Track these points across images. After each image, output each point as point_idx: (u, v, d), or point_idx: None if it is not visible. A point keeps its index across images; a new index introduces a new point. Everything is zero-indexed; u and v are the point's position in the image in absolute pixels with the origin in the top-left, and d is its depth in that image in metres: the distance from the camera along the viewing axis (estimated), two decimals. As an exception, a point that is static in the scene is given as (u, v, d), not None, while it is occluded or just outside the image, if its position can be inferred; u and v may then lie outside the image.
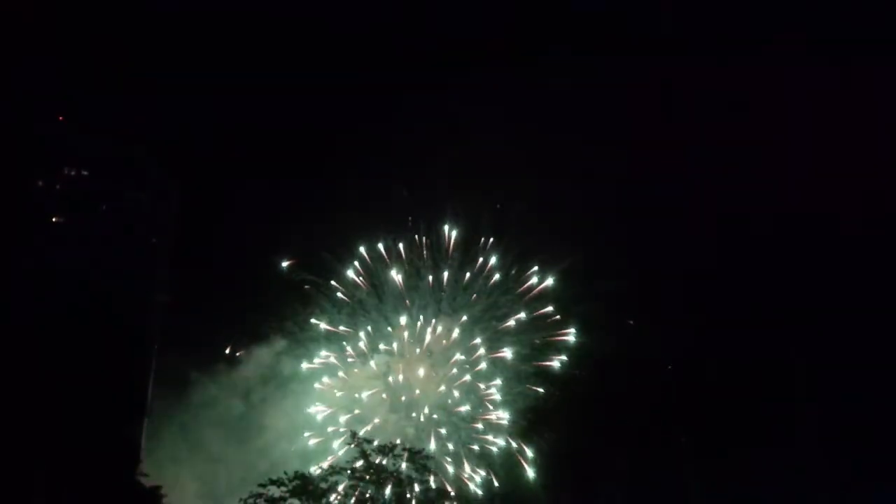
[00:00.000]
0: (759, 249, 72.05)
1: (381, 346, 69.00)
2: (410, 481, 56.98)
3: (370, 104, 75.37)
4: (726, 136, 72.89)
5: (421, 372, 68.38)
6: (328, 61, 77.22)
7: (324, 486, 55.52)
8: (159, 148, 65.02)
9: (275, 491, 54.47)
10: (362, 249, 68.48)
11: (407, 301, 68.90)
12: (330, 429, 67.55)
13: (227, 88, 72.26)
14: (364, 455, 56.75)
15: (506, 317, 68.01)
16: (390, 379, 69.02)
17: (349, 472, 55.92)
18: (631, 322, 65.95)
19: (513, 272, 68.62)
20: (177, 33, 73.27)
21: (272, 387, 67.51)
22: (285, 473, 55.21)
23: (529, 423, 65.26)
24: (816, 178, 68.14)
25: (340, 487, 55.51)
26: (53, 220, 60.92)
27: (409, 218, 69.46)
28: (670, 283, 68.28)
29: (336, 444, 65.49)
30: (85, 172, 62.85)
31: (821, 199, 68.66)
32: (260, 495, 54.42)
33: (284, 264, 67.23)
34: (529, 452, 65.27)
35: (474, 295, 68.39)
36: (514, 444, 65.72)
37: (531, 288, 68.40)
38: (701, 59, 74.27)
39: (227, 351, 67.50)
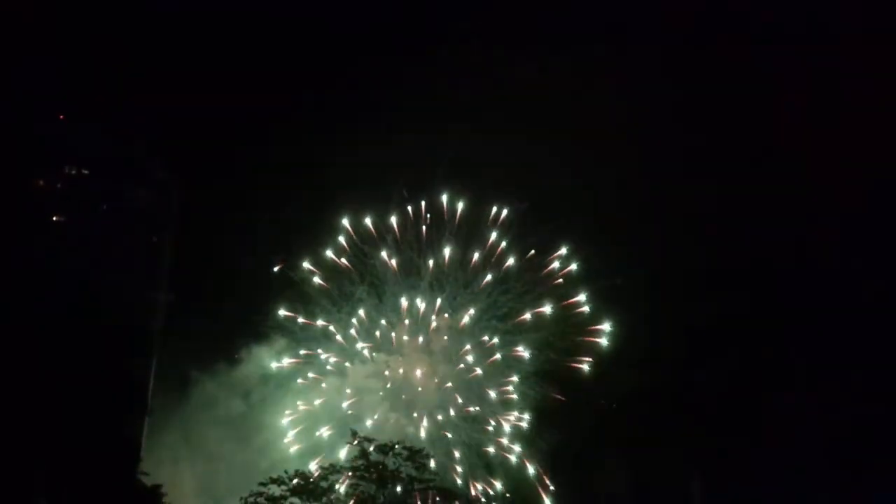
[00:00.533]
0: (759, 249, 71.93)
1: (372, 339, 68.67)
2: (411, 480, 57.07)
3: (368, 97, 75.18)
4: (736, 135, 72.86)
5: (420, 370, 68.35)
6: (326, 55, 77.08)
7: (324, 484, 55.71)
8: (160, 147, 64.98)
9: (275, 490, 54.71)
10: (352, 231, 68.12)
11: (405, 295, 68.93)
12: (316, 433, 67.31)
13: (227, 85, 72.21)
14: (364, 454, 56.89)
15: (507, 316, 68.00)
16: (387, 373, 68.85)
17: (349, 471, 56.16)
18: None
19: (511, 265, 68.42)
20: (176, 32, 73.25)
21: (272, 386, 67.71)
22: (286, 472, 55.50)
23: (532, 424, 65.05)
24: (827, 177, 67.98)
25: (342, 487, 55.53)
26: (54, 219, 60.92)
27: (410, 211, 69.41)
28: (671, 281, 68.03)
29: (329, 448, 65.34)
30: (85, 171, 62.85)
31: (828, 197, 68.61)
32: (260, 494, 54.66)
33: (276, 269, 67.10)
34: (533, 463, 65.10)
35: (487, 278, 67.86)
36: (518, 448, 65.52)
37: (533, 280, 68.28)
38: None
39: (228, 350, 67.66)
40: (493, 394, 67.72)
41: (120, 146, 64.20)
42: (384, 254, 68.58)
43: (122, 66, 68.82)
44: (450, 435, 66.34)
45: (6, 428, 48.49)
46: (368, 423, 65.66)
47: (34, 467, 48.97)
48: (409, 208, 69.26)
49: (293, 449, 65.71)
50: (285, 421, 67.29)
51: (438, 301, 68.21)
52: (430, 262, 68.02)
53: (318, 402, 67.36)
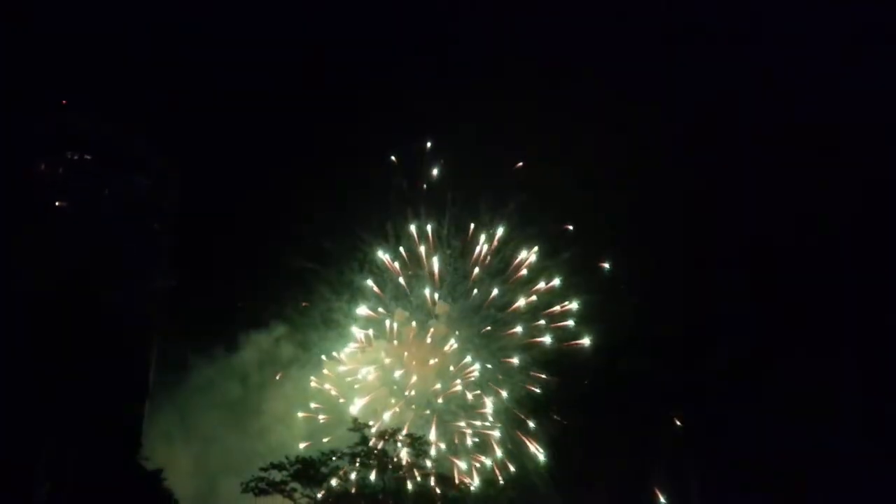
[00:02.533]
0: (758, 239, 72.17)
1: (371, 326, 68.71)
2: (411, 467, 57.69)
3: (372, 86, 74.81)
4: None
5: (418, 358, 68.73)
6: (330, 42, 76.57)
7: (324, 470, 56.19)
8: (161, 134, 64.69)
9: (276, 475, 55.13)
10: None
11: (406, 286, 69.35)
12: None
13: (228, 72, 71.85)
14: (364, 440, 57.45)
15: (505, 306, 68.45)
16: (386, 361, 69.07)
17: (350, 457, 56.68)
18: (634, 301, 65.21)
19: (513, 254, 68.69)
20: (175, 19, 72.82)
21: (271, 372, 68.05)
22: (286, 458, 55.94)
23: (531, 412, 65.50)
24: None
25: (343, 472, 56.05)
26: (56, 204, 60.61)
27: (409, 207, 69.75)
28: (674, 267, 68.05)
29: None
30: (86, 157, 62.49)
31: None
32: (262, 479, 55.08)
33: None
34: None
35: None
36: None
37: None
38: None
39: (227, 335, 67.81)
40: (490, 380, 68.15)
41: (122, 132, 63.86)
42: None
43: (123, 52, 68.42)
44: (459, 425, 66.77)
45: (9, 414, 48.64)
46: (367, 408, 65.90)
47: (37, 453, 49.11)
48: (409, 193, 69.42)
49: (291, 434, 65.96)
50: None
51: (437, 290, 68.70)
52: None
53: (316, 387, 67.65)
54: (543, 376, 65.77)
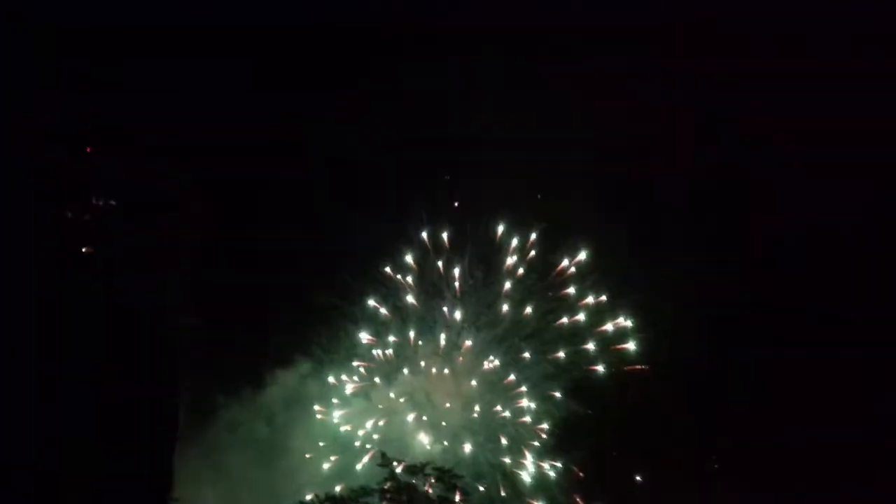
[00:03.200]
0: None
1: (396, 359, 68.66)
2: (441, 501, 57.28)
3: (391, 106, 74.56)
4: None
5: (444, 390, 68.62)
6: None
7: (354, 508, 55.83)
8: (183, 168, 64.91)
9: (307, 513, 54.78)
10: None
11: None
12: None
13: (247, 103, 71.83)
14: (393, 475, 57.11)
15: (531, 336, 68.24)
16: (402, 400, 68.85)
17: (380, 493, 56.34)
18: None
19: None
20: (192, 44, 72.43)
21: (297, 410, 67.94)
22: (316, 496, 55.66)
23: (558, 440, 65.21)
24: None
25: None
26: (81, 246, 60.78)
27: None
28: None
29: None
30: (112, 201, 62.72)
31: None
32: (293, 518, 54.83)
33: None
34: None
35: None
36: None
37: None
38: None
39: (252, 374, 67.81)
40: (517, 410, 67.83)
41: (145, 168, 64.10)
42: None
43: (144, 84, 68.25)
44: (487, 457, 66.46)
45: (41, 459, 48.79)
46: (395, 444, 65.60)
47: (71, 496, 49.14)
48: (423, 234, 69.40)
49: (319, 472, 65.81)
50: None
51: (459, 316, 68.56)
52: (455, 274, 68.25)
53: (343, 427, 67.56)
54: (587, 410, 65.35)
